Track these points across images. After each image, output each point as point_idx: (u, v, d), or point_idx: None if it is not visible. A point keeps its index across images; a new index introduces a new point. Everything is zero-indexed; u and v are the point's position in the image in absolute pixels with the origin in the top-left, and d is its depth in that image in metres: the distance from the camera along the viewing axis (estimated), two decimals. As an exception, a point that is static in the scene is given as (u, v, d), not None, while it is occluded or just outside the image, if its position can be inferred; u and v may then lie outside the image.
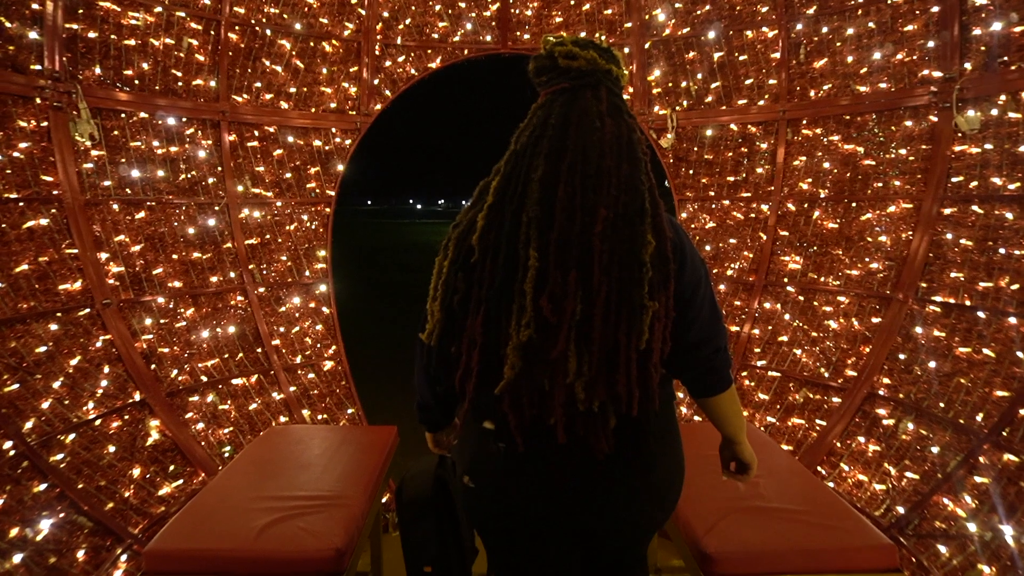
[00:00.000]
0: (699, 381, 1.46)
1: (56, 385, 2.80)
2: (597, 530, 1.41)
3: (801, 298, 3.73)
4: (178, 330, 3.45)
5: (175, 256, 3.54)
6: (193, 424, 3.29)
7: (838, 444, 3.22)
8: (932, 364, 2.99)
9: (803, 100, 3.81)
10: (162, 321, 3.39)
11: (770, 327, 3.82)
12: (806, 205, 3.81)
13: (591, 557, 1.52)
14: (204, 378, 3.46)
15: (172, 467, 3.06)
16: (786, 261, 3.85)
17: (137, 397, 3.10)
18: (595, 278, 1.21)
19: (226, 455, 3.31)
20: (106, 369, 3.05)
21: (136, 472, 2.91)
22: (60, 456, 2.69)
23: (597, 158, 1.26)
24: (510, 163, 1.33)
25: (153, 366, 3.26)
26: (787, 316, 3.76)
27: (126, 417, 3.01)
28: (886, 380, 3.19)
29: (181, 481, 3.05)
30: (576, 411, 1.24)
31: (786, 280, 3.82)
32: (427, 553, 1.82)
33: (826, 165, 3.73)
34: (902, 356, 3.15)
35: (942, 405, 2.88)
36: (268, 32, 3.86)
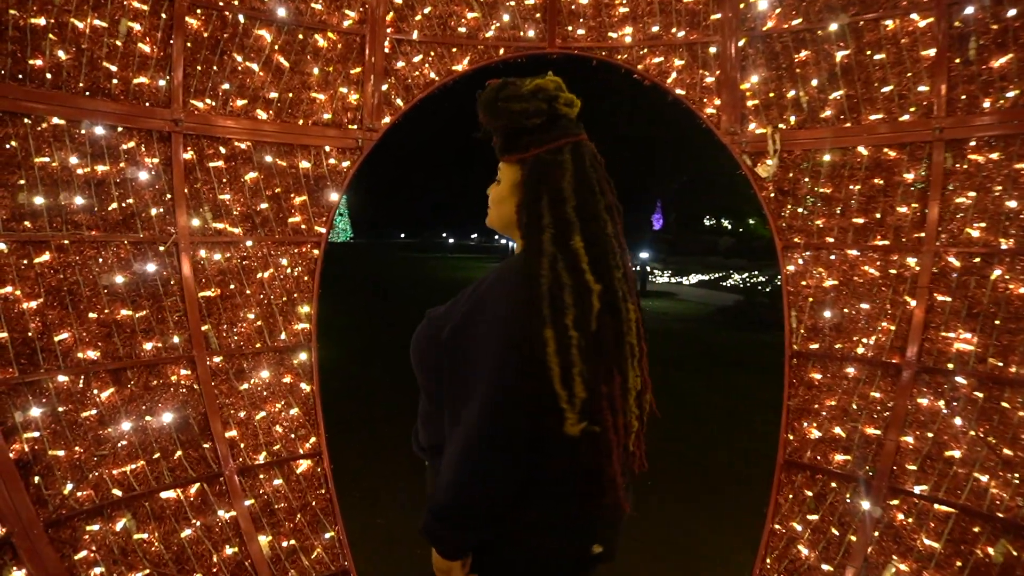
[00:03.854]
0: None
1: None
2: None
3: (979, 394, 2.57)
4: (84, 422, 2.42)
5: (92, 315, 2.54)
6: (85, 570, 2.24)
7: (1084, 648, 2.03)
8: None
9: (972, 113, 2.70)
10: (61, 410, 2.37)
11: (930, 435, 2.65)
12: (978, 260, 2.68)
13: None
14: (117, 492, 2.42)
15: (33, 651, 2.01)
16: (950, 338, 2.70)
17: (-4, 533, 2.07)
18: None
19: (135, 614, 2.26)
20: (-46, 489, 2.03)
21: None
22: None
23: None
24: (583, 218, 1.39)
25: (37, 479, 2.24)
26: (957, 420, 2.60)
27: (-34, 571, 1.98)
28: None
29: (42, 678, 1.99)
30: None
31: (951, 366, 2.66)
32: None
33: (1011, 204, 2.60)
34: None
35: None
36: (241, 18, 2.91)
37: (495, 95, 1.48)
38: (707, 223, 44.48)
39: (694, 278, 23.83)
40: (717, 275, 23.48)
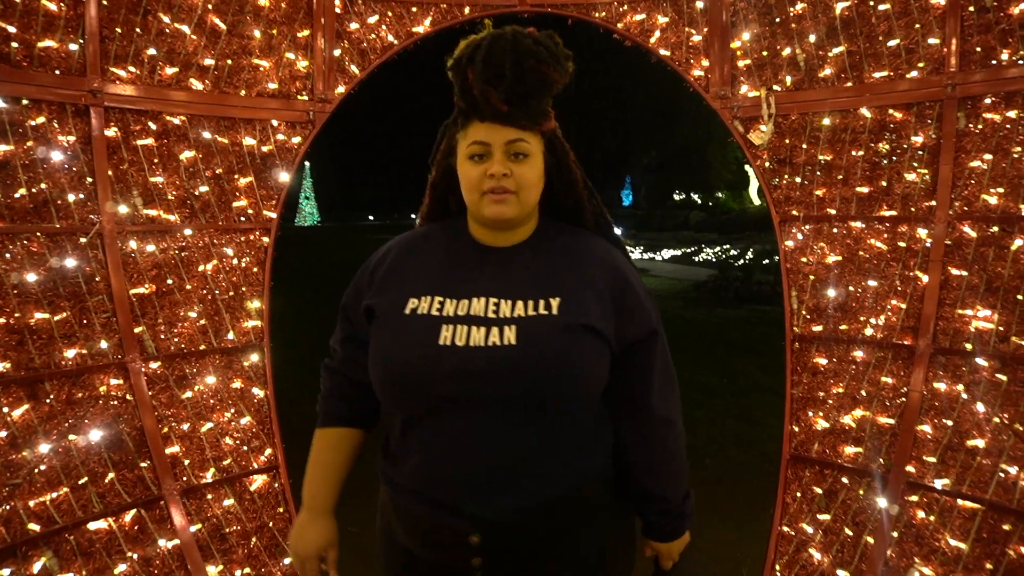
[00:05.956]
0: None
1: None
2: None
3: (1002, 377, 2.35)
4: (-8, 446, 2.08)
5: (-1, 320, 2.19)
6: (-6, 623, 1.92)
7: None
8: None
9: (988, 67, 2.45)
10: (-39, 433, 2.03)
11: (950, 423, 2.43)
12: (996, 229, 2.45)
13: None
14: (34, 527, 2.08)
15: None
16: (967, 316, 2.47)
17: None
18: None
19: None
20: None
21: None
22: None
23: None
24: None
25: (-69, 518, 1.90)
26: (979, 406, 2.38)
27: None
28: None
29: None
30: None
31: (970, 346, 2.44)
32: None
33: (1033, 166, 2.37)
34: None
35: None
36: (167, -28, 2.53)
37: (558, 50, 1.28)
38: (676, 198, 44.57)
39: (667, 253, 23.71)
40: (689, 250, 23.37)
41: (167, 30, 2.56)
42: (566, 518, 1.28)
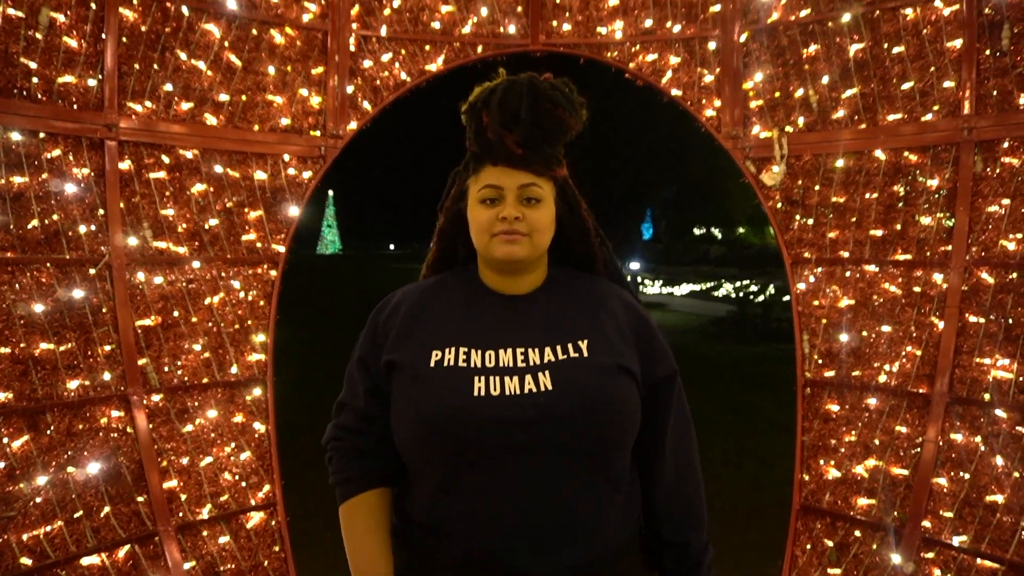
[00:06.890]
0: None
1: None
2: None
3: (1022, 429, 2.27)
4: (-11, 477, 2.07)
5: (4, 350, 2.20)
6: (-21, 661, 1.90)
7: None
8: None
9: (1005, 111, 2.41)
10: (-41, 464, 2.03)
11: (966, 476, 2.34)
12: (1015, 275, 2.38)
13: None
14: (26, 561, 2.06)
15: None
16: (985, 365, 2.39)
17: None
18: None
19: None
20: None
21: None
22: None
23: None
24: None
25: (-76, 550, 1.89)
26: (998, 460, 2.29)
27: None
28: None
29: None
30: None
31: (988, 396, 2.36)
32: None
33: (1052, 213, 2.31)
34: None
35: None
36: (185, 10, 2.59)
37: (573, 96, 1.27)
38: (697, 232, 44.45)
39: (685, 288, 23.56)
40: (708, 285, 23.20)
41: (183, 66, 2.61)
42: (617, 571, 1.24)
